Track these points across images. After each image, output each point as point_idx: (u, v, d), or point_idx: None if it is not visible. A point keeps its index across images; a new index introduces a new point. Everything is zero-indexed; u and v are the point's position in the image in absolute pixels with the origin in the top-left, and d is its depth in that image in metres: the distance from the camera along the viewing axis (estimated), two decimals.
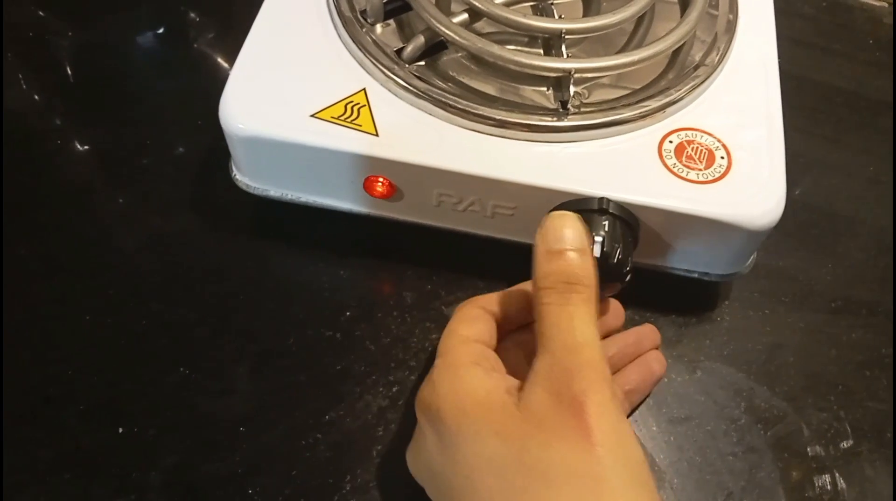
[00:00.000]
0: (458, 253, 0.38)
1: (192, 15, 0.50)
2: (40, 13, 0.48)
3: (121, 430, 0.33)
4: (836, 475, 0.34)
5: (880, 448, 0.35)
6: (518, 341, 0.32)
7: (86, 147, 0.43)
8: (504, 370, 0.30)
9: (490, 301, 0.31)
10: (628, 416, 0.35)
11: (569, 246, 0.28)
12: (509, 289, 0.32)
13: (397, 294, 0.38)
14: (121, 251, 0.38)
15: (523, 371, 0.30)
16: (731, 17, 0.40)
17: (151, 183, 0.41)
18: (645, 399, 0.36)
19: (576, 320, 0.26)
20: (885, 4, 0.53)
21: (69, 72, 0.46)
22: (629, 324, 0.37)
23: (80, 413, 0.34)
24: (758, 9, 0.41)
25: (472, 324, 0.30)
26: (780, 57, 0.50)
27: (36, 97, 0.45)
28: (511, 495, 0.24)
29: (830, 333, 0.39)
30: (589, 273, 0.27)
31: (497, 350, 0.30)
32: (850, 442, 0.35)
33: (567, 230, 0.28)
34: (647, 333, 0.35)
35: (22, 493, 0.32)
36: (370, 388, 0.35)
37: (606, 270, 0.30)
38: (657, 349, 0.35)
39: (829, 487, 0.34)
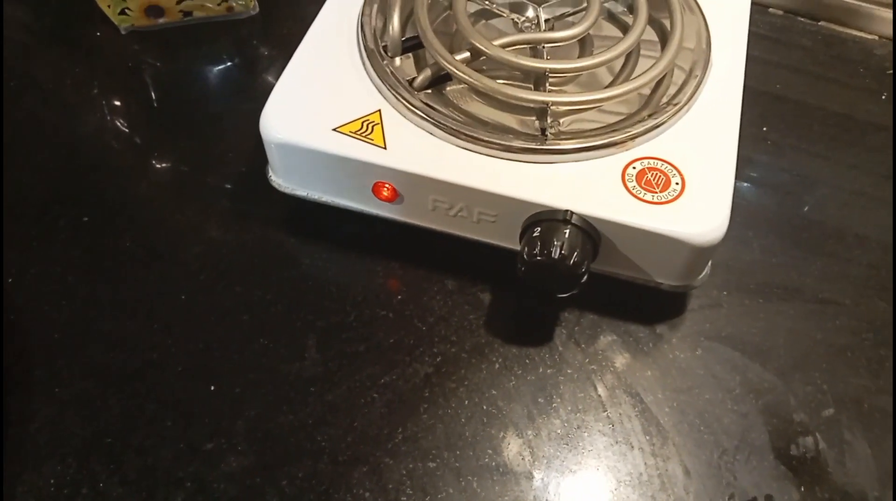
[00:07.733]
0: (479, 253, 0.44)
1: (262, 49, 0.58)
2: (135, 47, 0.56)
3: (212, 387, 0.40)
4: (818, 437, 0.40)
5: (859, 417, 0.41)
6: None
7: (166, 165, 0.50)
8: None
9: None
10: None
11: None
12: None
13: (440, 281, 0.44)
14: (211, 241, 0.46)
15: None
16: (705, 53, 0.45)
17: (233, 183, 0.49)
18: None
19: None
20: (876, 37, 0.60)
21: (153, 97, 0.54)
22: (650, 301, 0.42)
23: (179, 373, 0.41)
24: (730, 47, 0.46)
25: None
26: (779, 84, 0.57)
27: (123, 120, 0.53)
28: None
29: (817, 320, 0.44)
30: None
31: None
32: (832, 411, 0.41)
33: None
34: None
35: (131, 435, 0.39)
36: (418, 358, 0.42)
37: (564, 270, 0.37)
38: None
39: (811, 447, 0.40)
